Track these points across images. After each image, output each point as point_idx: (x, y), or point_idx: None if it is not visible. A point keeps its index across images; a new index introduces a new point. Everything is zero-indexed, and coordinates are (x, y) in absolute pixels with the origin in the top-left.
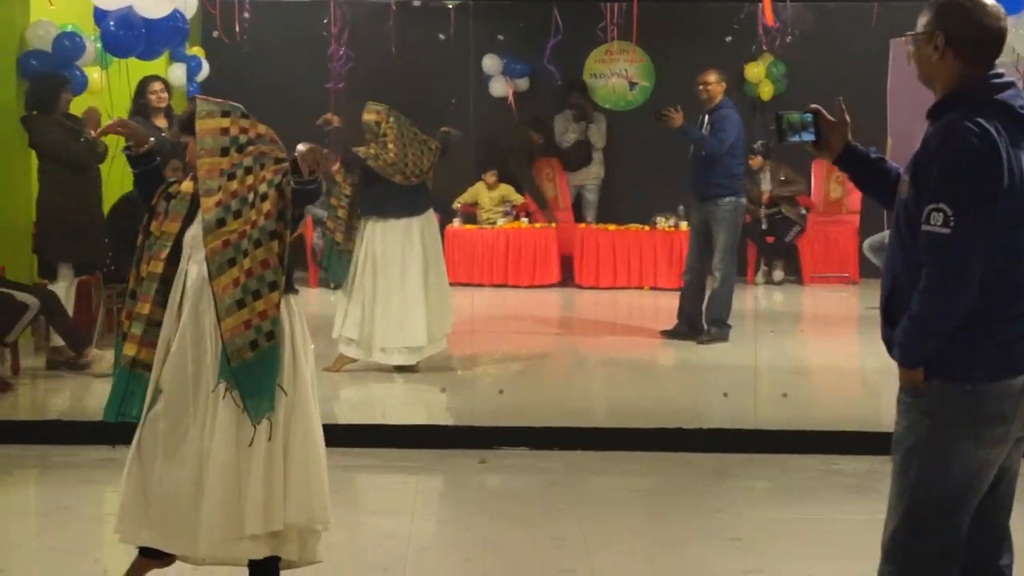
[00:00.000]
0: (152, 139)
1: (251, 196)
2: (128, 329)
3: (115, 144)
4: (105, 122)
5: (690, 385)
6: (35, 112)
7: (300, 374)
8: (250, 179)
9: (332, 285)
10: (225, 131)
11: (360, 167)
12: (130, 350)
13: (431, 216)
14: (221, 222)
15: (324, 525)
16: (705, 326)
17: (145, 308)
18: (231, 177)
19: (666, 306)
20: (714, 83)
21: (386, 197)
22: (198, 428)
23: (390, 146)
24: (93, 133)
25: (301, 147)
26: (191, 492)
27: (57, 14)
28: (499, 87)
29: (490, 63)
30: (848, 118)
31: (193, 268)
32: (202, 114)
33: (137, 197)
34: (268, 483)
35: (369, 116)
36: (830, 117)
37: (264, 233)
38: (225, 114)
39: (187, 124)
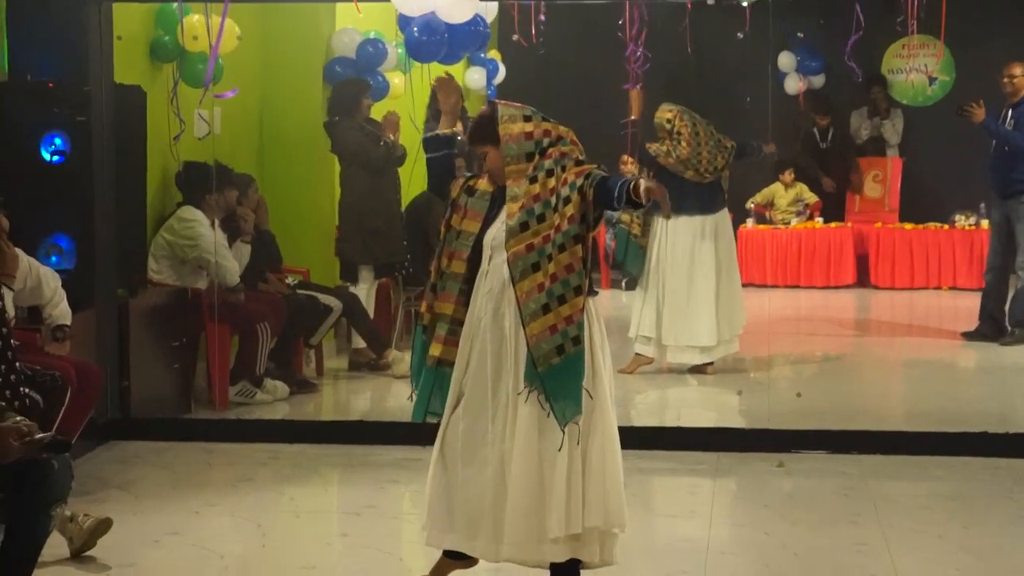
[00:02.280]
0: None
1: (554, 199)
2: (428, 323)
3: (414, 148)
4: (405, 125)
5: (994, 388)
6: (336, 117)
7: (599, 377)
8: (552, 182)
9: (624, 284)
10: (529, 135)
11: (654, 164)
12: (435, 350)
13: (725, 216)
14: (524, 226)
15: (621, 528)
16: (1009, 327)
17: (448, 308)
18: (532, 180)
19: (966, 307)
20: (1019, 76)
21: (679, 194)
22: (499, 430)
23: (683, 144)
24: (392, 137)
25: (650, 185)
26: (494, 495)
27: (361, 21)
28: (793, 84)
29: (785, 60)
30: None
31: (494, 270)
32: (504, 118)
33: (430, 198)
34: (569, 486)
35: (662, 115)
36: None
37: (568, 237)
38: (527, 118)
39: (483, 134)
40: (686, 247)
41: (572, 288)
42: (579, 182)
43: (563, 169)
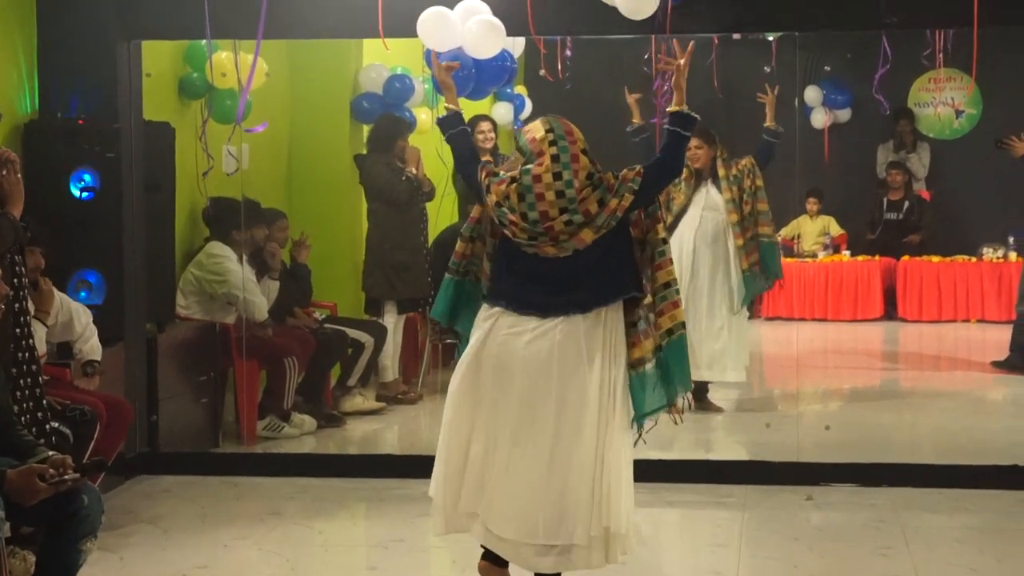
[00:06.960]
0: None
1: None
2: None
3: (442, 183)
4: (427, 162)
5: None
6: (369, 152)
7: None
8: None
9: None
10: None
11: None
12: None
13: None
14: None
15: None
16: None
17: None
18: None
19: (995, 339)
20: None
21: None
22: None
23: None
24: (414, 171)
25: None
26: None
27: (389, 57)
28: (820, 118)
29: (812, 94)
30: None
31: None
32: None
33: (456, 232)
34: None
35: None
36: None
37: None
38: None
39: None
40: None
41: None
42: None
43: None
